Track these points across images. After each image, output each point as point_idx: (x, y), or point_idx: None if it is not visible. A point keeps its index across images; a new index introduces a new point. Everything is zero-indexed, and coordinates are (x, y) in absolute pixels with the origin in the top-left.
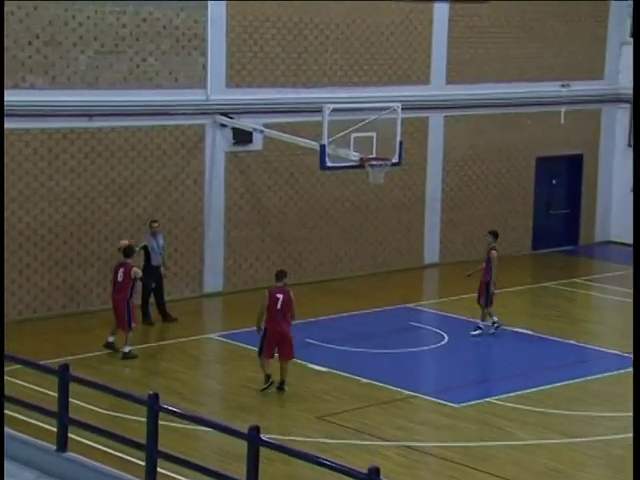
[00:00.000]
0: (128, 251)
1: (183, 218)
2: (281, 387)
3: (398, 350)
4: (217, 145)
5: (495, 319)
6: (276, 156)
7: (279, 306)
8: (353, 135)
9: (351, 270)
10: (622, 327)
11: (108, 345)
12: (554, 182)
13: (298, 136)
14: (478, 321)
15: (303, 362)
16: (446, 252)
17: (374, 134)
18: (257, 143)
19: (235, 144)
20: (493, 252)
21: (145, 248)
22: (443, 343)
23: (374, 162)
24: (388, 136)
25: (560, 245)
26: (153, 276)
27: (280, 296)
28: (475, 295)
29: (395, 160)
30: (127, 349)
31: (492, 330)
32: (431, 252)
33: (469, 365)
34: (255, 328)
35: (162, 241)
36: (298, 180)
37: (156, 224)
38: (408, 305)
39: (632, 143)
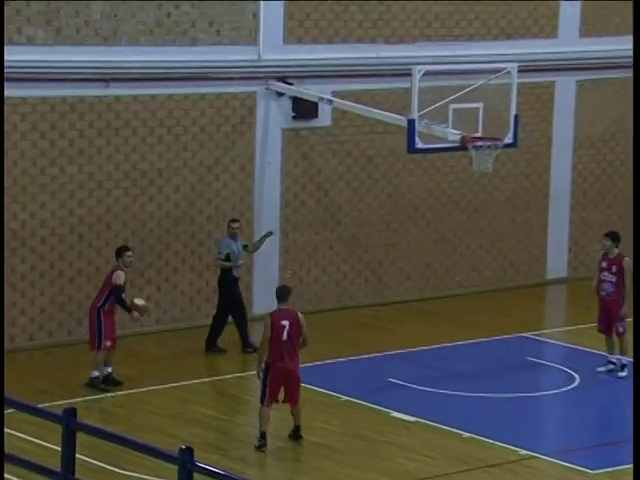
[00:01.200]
0: (119, 250)
1: (226, 217)
2: (297, 435)
3: (511, 395)
4: (272, 120)
5: (618, 357)
6: (349, 135)
7: (285, 336)
8: (452, 107)
9: (448, 287)
10: None
11: (95, 379)
12: None
13: (379, 108)
14: (618, 355)
15: (384, 409)
16: (577, 263)
17: (480, 105)
18: (324, 117)
19: (295, 119)
20: (627, 260)
21: (227, 256)
22: (572, 386)
23: (480, 143)
24: (499, 108)
25: None
26: (234, 291)
27: (286, 323)
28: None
29: (509, 140)
30: (94, 373)
31: (623, 373)
32: (557, 263)
33: (607, 416)
34: (255, 371)
35: (241, 247)
36: (378, 167)
37: (236, 225)
38: (525, 334)
39: None
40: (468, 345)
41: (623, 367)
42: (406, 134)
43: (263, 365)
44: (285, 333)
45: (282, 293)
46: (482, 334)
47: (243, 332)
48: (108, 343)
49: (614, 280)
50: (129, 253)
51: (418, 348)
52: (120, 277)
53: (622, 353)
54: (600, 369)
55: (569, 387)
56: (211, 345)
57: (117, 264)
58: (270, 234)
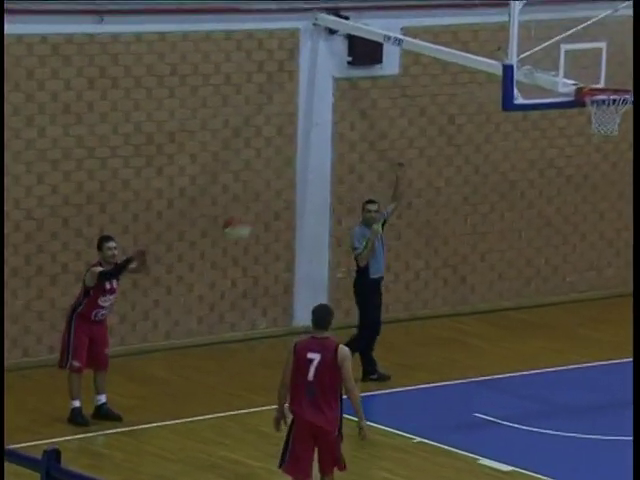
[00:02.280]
0: (99, 241)
1: (259, 196)
2: None
3: None
4: (321, 66)
5: None
6: (424, 86)
7: (312, 376)
8: (564, 47)
9: (555, 291)
10: None
11: (75, 411)
12: None
13: (464, 50)
14: None
15: (470, 454)
16: None
17: (603, 45)
18: (391, 63)
19: (352, 65)
20: None
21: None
22: None
23: (602, 96)
24: (629, 49)
25: None
26: (378, 296)
27: (316, 357)
28: None
29: None
30: (74, 404)
31: None
32: None
33: None
34: (274, 418)
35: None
36: (462, 129)
37: (374, 206)
38: None
39: None
40: (580, 370)
41: None
42: (501, 85)
43: (283, 413)
44: (313, 370)
45: (319, 316)
46: (599, 355)
47: (369, 354)
48: (76, 364)
49: None
50: (110, 244)
51: (513, 373)
52: (92, 276)
53: None
54: None
55: None
56: (371, 374)
57: (97, 259)
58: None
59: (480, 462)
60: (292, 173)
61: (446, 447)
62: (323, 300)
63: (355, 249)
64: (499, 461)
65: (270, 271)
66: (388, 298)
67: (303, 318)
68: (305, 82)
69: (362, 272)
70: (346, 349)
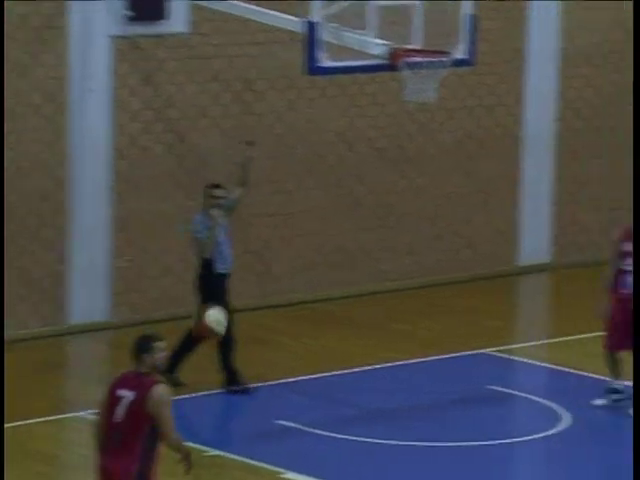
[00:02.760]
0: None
1: (25, 173)
2: None
3: (464, 443)
4: (95, 22)
5: (627, 384)
6: (217, 47)
7: (120, 416)
8: (375, 4)
9: (368, 279)
10: None
11: None
12: None
13: (263, 6)
14: (625, 381)
15: (271, 467)
16: (565, 242)
17: (419, 3)
18: (179, 19)
19: (133, 20)
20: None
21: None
22: (557, 429)
23: (417, 58)
24: (448, 7)
25: None
26: (224, 293)
27: (128, 395)
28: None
29: (461, 55)
30: None
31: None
32: (534, 243)
33: (608, 474)
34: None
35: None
36: (262, 96)
37: (221, 192)
38: (486, 350)
39: None
40: (398, 368)
41: (612, 391)
42: (302, 48)
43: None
44: (122, 410)
45: (141, 343)
46: (420, 351)
47: (227, 360)
48: None
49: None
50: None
51: (322, 373)
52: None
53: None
54: (598, 402)
55: (552, 431)
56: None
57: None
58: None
59: (284, 476)
60: (63, 147)
61: (245, 460)
62: (101, 293)
63: (197, 239)
64: (306, 474)
65: (40, 261)
66: (176, 290)
67: (80, 315)
68: (77, 41)
69: (206, 265)
70: (163, 392)
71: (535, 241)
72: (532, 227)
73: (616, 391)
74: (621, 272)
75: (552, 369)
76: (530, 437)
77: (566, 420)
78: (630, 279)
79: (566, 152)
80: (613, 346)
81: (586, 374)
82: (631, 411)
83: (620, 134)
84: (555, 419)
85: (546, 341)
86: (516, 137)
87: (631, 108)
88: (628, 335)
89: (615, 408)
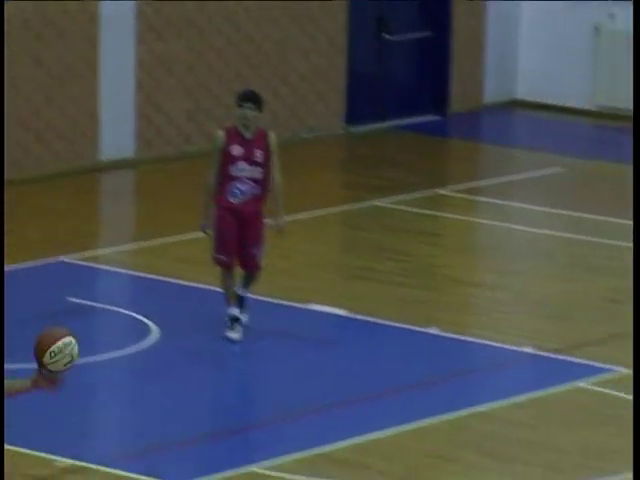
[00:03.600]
0: None
1: None
2: None
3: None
4: None
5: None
6: None
7: None
8: None
9: None
10: (533, 294)
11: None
12: None
13: None
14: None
15: None
16: (149, 137)
17: None
18: None
19: None
20: (273, 135)
21: None
22: (150, 343)
23: None
24: None
25: (408, 114)
26: None
27: None
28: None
29: None
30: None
31: (233, 334)
32: (116, 139)
33: (208, 391)
34: None
35: None
36: None
37: None
38: (67, 257)
39: None
40: None
41: (234, 322)
42: None
43: None
44: None
45: None
46: None
47: None
48: None
49: (258, 176)
50: None
51: None
52: None
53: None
54: (232, 335)
55: (141, 345)
56: None
57: None
58: None
59: None
60: None
61: None
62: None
63: None
64: None
65: None
66: None
67: None
68: None
69: None
70: None
71: (117, 134)
72: (113, 118)
73: (236, 319)
74: (230, 179)
75: (140, 277)
76: (117, 353)
77: (155, 334)
78: (242, 187)
79: (148, 31)
80: (223, 262)
81: (178, 282)
82: (231, 334)
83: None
84: (144, 332)
85: (133, 246)
86: (93, 15)
87: None
88: (237, 248)
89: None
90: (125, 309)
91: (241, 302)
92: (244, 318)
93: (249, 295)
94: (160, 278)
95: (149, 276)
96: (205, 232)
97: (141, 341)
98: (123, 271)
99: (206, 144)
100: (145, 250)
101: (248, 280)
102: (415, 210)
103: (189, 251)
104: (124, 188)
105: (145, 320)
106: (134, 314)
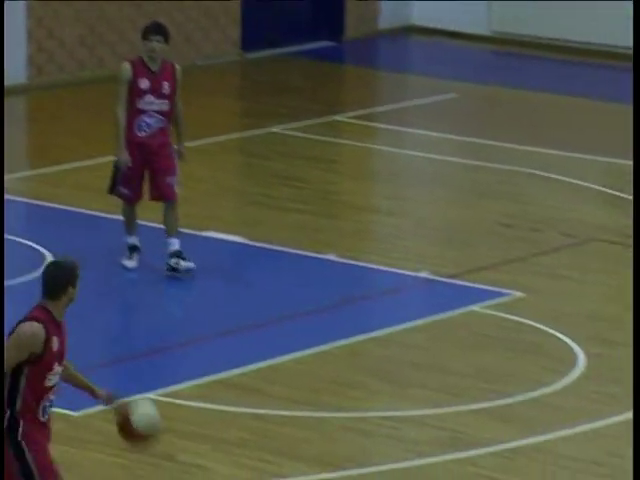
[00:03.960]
0: None
1: None
2: None
3: None
4: None
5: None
6: None
7: None
8: None
9: None
10: (429, 220)
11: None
12: None
13: None
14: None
15: None
16: (42, 62)
17: None
18: None
19: None
20: (178, 67)
21: None
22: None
23: None
24: None
25: (303, 40)
26: None
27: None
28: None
29: None
30: None
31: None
32: (9, 65)
33: (117, 319)
34: None
35: None
36: None
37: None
38: None
39: None
40: None
41: (133, 251)
42: None
43: None
44: None
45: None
46: None
47: None
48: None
49: (165, 109)
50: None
51: None
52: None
53: (171, 232)
54: (128, 263)
55: (33, 275)
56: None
57: None
58: None
59: None
60: None
61: None
62: None
63: None
64: None
65: None
66: None
67: None
68: None
69: None
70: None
71: (8, 60)
72: (5, 44)
73: (135, 248)
74: (137, 112)
75: (36, 205)
76: (13, 282)
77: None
78: (149, 120)
79: None
80: (126, 195)
81: (74, 209)
82: (127, 262)
83: None
84: (40, 261)
85: (28, 173)
86: None
87: None
88: (151, 182)
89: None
90: (21, 238)
91: (179, 254)
92: (187, 265)
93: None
94: (56, 206)
95: (45, 204)
96: (118, 167)
97: (36, 270)
98: (19, 199)
99: (100, 70)
100: (40, 177)
101: (170, 220)
102: (311, 137)
103: (85, 178)
104: (16, 115)
105: (41, 249)
106: (30, 242)
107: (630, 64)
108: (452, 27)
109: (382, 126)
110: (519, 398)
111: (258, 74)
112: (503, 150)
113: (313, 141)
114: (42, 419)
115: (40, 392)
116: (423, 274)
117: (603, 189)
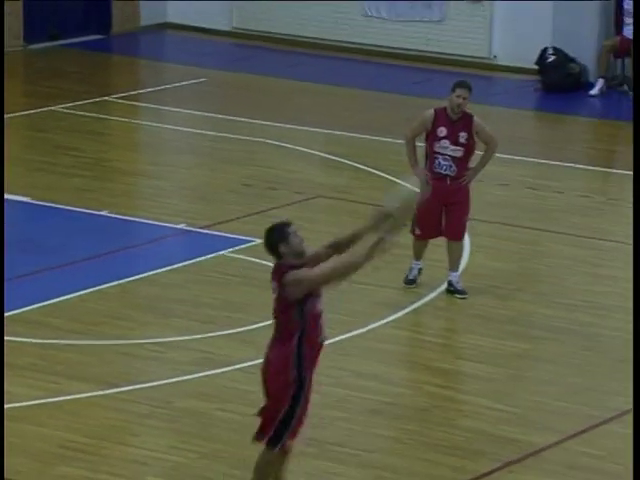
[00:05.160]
0: None
1: None
2: None
3: None
4: None
5: None
6: None
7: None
8: None
9: None
10: (184, 181)
11: None
12: None
13: None
14: None
15: None
16: None
17: None
18: None
19: None
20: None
21: None
22: None
23: None
24: None
25: (77, 34)
26: None
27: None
28: None
29: None
30: None
31: None
32: None
33: None
34: None
35: None
36: None
37: None
38: None
39: None
40: None
41: None
42: None
43: None
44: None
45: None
46: None
47: None
48: None
49: None
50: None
51: None
52: None
53: None
54: None
55: None
56: None
57: None
58: None
59: None
60: None
61: None
62: None
63: None
64: None
65: None
66: None
67: None
68: None
69: None
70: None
71: None
72: None
73: None
74: None
75: None
76: None
77: None
78: None
79: None
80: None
81: None
82: None
83: None
84: None
85: None
86: None
87: None
88: None
89: None
90: None
91: None
92: None
93: None
94: None
95: None
96: None
97: None
98: None
99: None
100: None
101: None
102: (86, 114)
103: None
104: None
105: None
106: None
107: (339, 54)
108: (201, 24)
109: (144, 105)
110: (261, 324)
111: (39, 62)
112: (243, 124)
113: (88, 117)
114: None
115: None
116: (181, 226)
117: (325, 155)
